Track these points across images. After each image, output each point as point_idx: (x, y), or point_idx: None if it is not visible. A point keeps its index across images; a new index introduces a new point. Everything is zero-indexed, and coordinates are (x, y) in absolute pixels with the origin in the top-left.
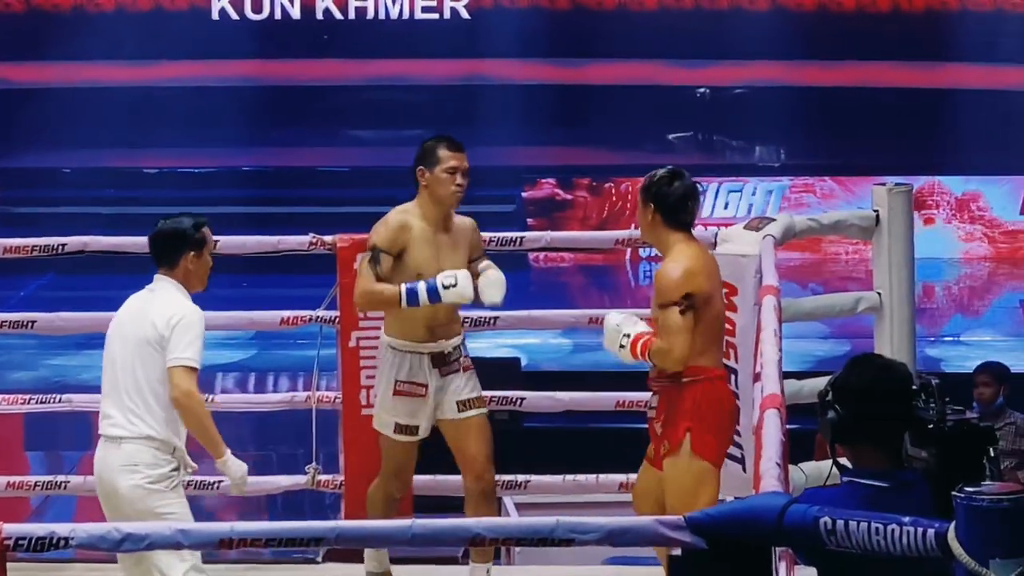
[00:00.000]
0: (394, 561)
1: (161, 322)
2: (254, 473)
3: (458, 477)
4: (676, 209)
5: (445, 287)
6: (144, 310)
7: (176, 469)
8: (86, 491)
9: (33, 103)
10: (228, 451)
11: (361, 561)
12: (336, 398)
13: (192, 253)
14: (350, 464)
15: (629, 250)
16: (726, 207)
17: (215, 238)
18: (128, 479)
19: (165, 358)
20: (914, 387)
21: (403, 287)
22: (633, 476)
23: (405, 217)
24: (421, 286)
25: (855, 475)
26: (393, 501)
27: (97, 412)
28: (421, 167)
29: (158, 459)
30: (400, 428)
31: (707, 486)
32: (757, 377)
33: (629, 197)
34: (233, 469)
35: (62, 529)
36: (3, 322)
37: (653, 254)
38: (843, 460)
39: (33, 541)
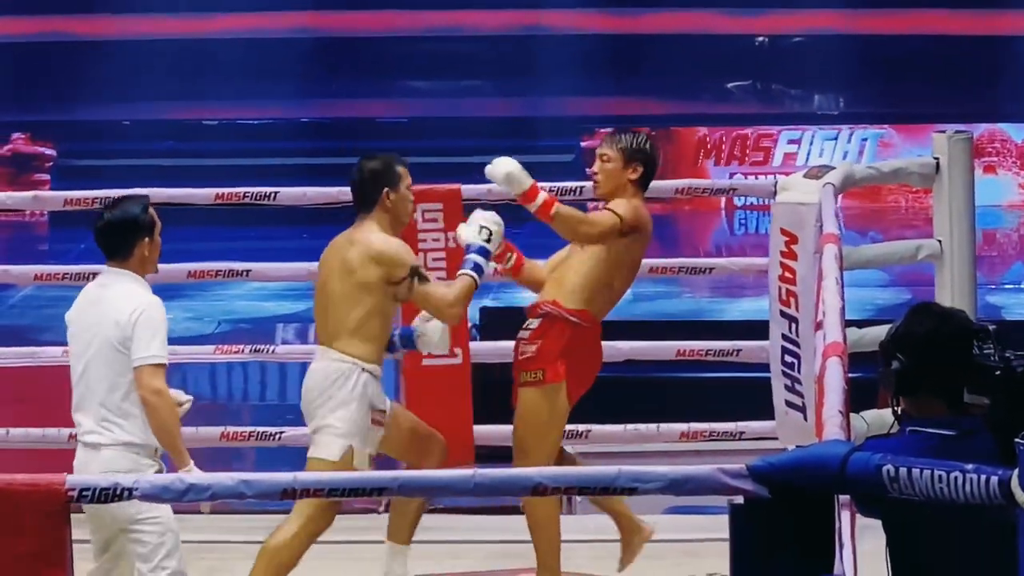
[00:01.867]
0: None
1: (123, 319)
2: None
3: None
4: (653, 176)
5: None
6: (101, 309)
7: (160, 471)
8: None
9: (92, 56)
10: (192, 462)
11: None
12: None
13: (146, 239)
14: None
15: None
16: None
17: (274, 189)
18: None
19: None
20: (974, 334)
21: (469, 271)
22: (695, 425)
23: None
24: (479, 259)
25: (918, 424)
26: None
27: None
28: (387, 188)
29: (139, 464)
30: (371, 461)
31: (558, 428)
32: (819, 325)
33: (690, 146)
34: None
35: (125, 480)
36: (65, 274)
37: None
38: (903, 409)
39: (97, 491)
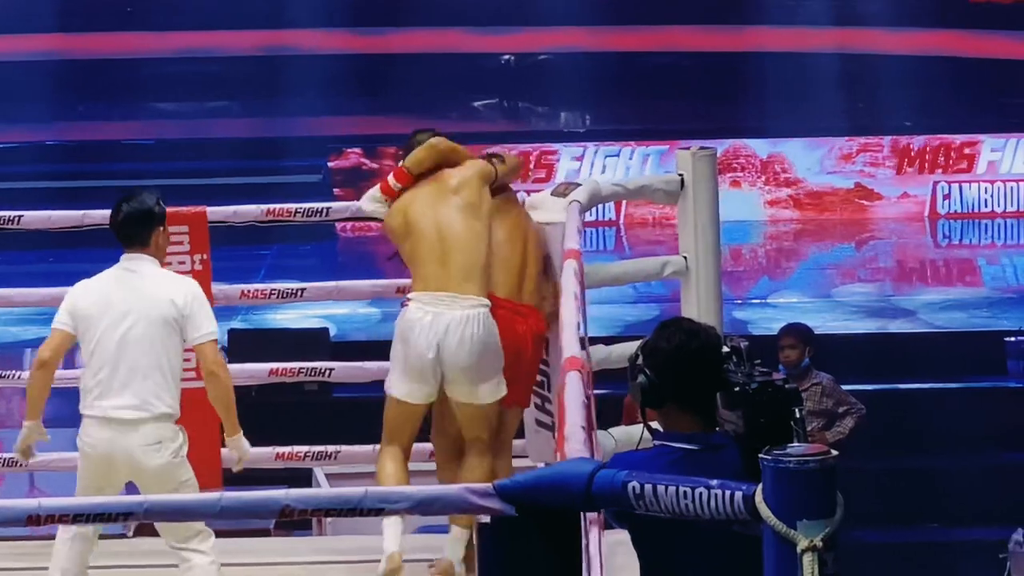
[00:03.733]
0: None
1: (180, 299)
2: None
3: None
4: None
5: None
6: (143, 290)
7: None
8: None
9: None
10: (241, 431)
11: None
12: None
13: (160, 228)
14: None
15: None
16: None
17: (19, 213)
18: (157, 458)
19: (184, 335)
20: (724, 350)
21: None
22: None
23: None
24: None
25: (665, 438)
26: None
27: None
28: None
29: (176, 433)
30: None
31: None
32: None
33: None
34: (244, 447)
35: None
36: None
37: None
38: (654, 424)
39: None
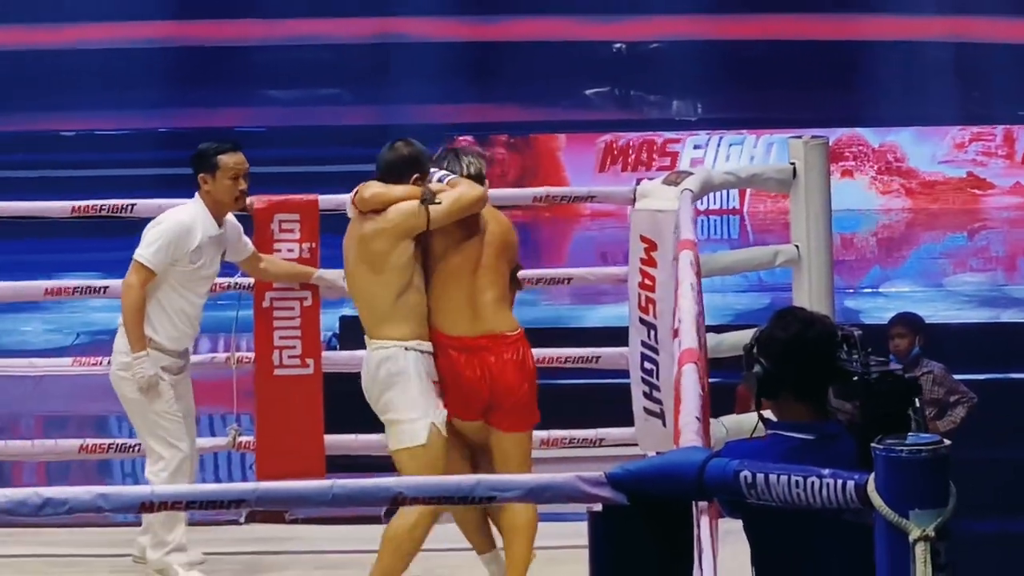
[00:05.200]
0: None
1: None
2: None
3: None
4: None
5: None
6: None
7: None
8: (6, 456)
9: None
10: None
11: (282, 521)
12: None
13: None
14: (263, 424)
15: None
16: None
17: (132, 201)
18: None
19: None
20: (837, 339)
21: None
22: (555, 432)
23: None
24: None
25: (779, 428)
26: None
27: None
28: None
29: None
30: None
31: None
32: (676, 332)
33: (547, 153)
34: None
35: None
36: None
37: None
38: (767, 413)
39: None
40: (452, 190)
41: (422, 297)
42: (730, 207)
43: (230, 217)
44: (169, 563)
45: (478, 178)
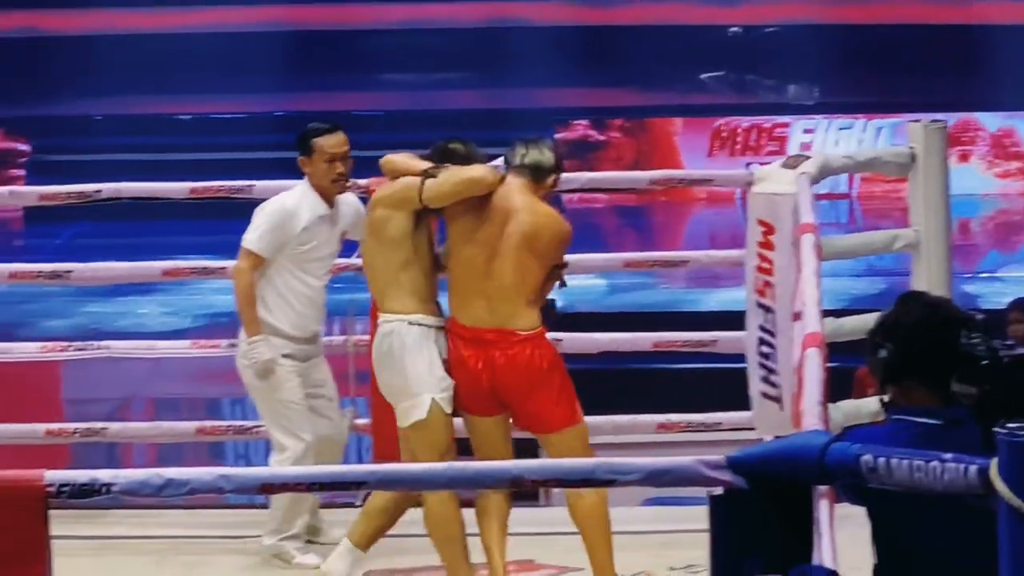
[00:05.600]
0: None
1: None
2: None
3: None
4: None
5: None
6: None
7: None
8: (125, 438)
9: (66, 51)
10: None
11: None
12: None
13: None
14: (378, 407)
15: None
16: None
17: (250, 183)
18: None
19: None
20: (962, 323)
21: None
22: (672, 416)
23: None
24: None
25: (904, 413)
26: None
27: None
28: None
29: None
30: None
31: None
32: (797, 316)
33: (662, 137)
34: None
35: (104, 475)
36: (38, 273)
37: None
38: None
39: (76, 488)
40: (455, 168)
41: (426, 275)
42: (839, 191)
43: (348, 196)
44: (284, 547)
45: (534, 169)
